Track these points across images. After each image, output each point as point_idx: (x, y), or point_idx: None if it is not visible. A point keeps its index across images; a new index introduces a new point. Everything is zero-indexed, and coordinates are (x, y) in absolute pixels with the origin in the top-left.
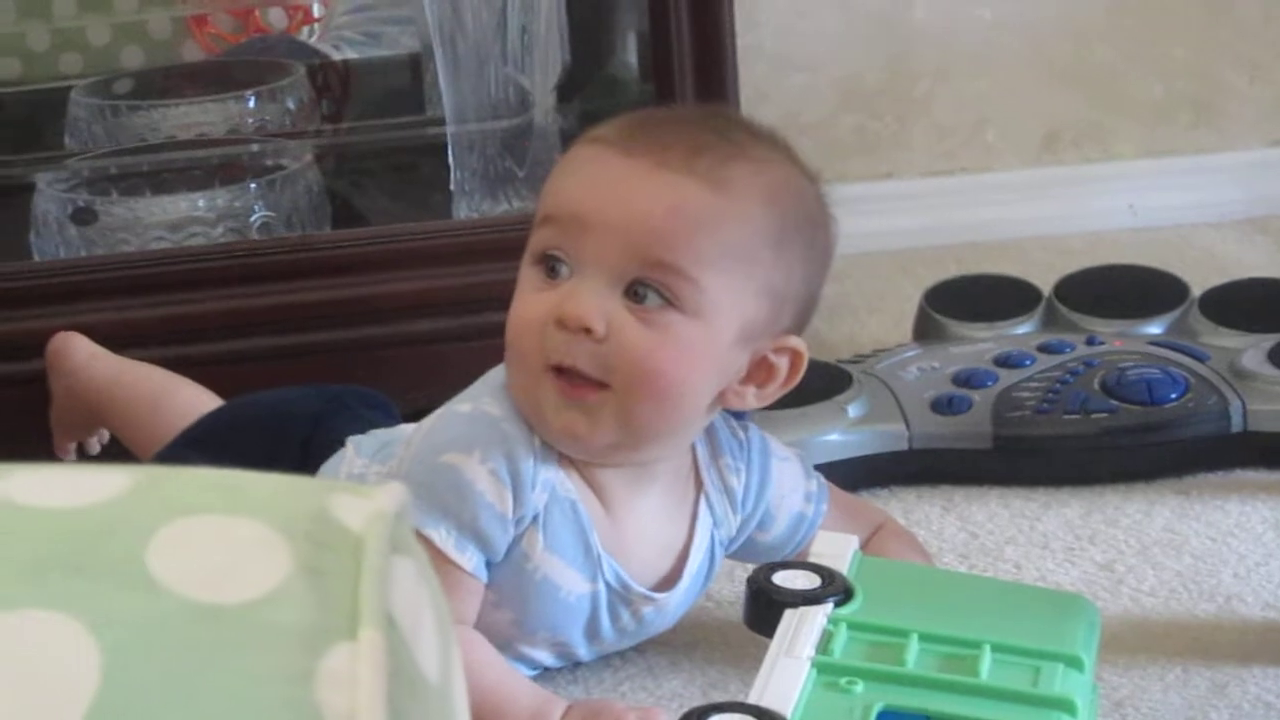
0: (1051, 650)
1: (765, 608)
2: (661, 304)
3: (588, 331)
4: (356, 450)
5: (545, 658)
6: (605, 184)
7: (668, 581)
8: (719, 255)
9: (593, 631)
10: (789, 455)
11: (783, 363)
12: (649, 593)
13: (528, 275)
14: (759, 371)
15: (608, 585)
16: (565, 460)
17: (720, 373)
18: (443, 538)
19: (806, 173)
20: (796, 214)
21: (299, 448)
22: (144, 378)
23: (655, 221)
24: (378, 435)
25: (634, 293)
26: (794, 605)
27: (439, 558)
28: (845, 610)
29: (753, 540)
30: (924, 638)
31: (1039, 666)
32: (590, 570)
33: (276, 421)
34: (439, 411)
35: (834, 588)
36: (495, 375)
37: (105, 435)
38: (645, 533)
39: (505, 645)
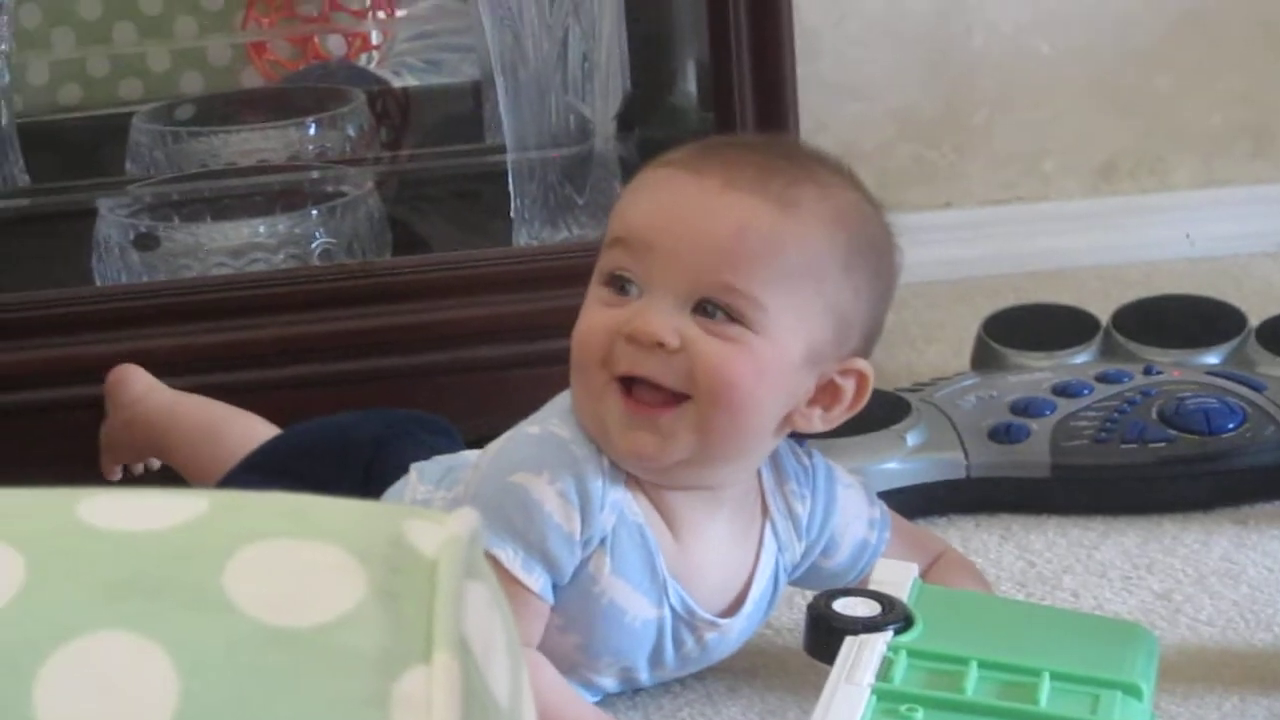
0: (1110, 678)
1: (825, 635)
2: (730, 321)
3: (660, 346)
4: (420, 476)
5: (608, 683)
6: (673, 205)
7: (732, 607)
8: (785, 276)
9: (657, 658)
10: (853, 482)
11: (849, 385)
12: (713, 618)
13: (595, 293)
14: (825, 394)
15: (673, 610)
16: (633, 483)
17: (789, 393)
18: (510, 558)
19: (871, 200)
20: (862, 238)
21: (361, 472)
22: (201, 409)
23: (722, 243)
24: (441, 461)
25: (703, 309)
26: (854, 632)
27: (506, 578)
28: (905, 638)
29: (816, 566)
30: (983, 665)
31: (1098, 694)
32: (656, 595)
33: (339, 446)
34: (507, 434)
35: (894, 615)
36: (564, 399)
37: (155, 463)
38: (711, 558)
39: (570, 670)
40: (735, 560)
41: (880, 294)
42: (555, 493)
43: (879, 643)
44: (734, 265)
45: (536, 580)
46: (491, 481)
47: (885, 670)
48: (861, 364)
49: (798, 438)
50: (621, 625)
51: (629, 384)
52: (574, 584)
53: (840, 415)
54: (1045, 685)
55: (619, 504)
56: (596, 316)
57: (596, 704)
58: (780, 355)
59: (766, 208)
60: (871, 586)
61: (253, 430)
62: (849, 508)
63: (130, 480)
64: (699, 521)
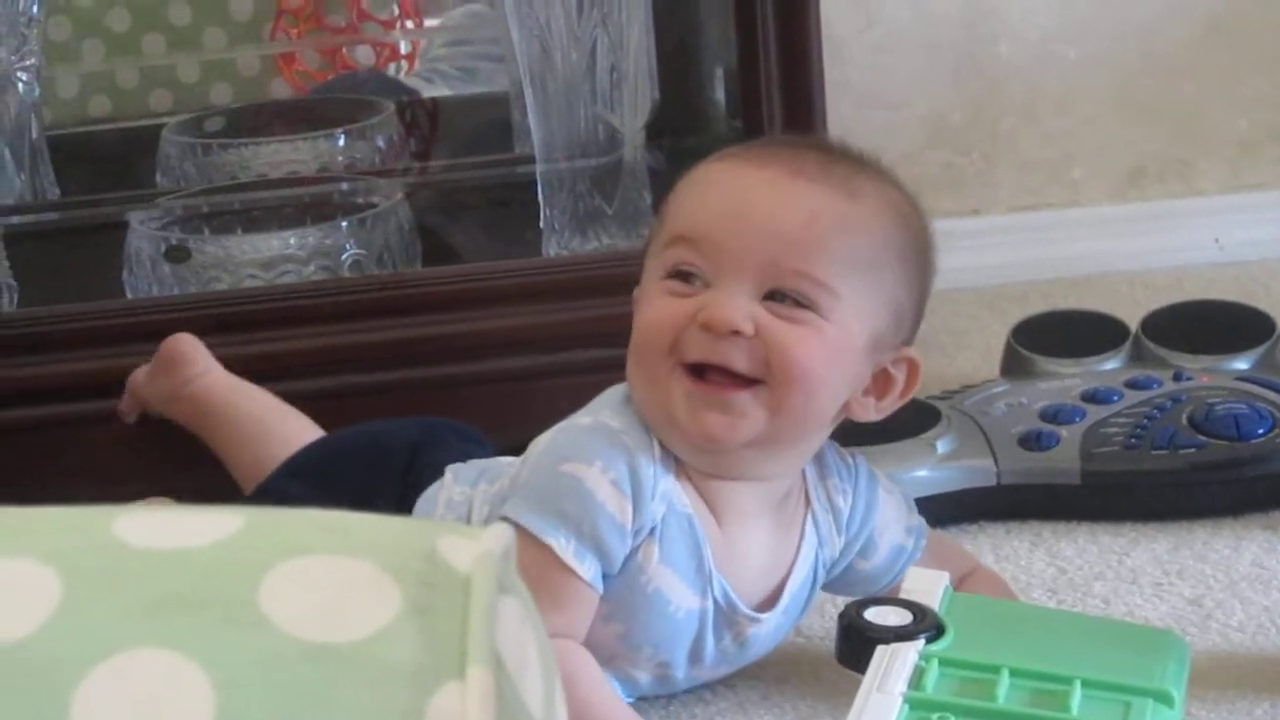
0: (1142, 686)
1: (857, 643)
2: (801, 307)
3: (735, 334)
4: (455, 478)
5: (644, 679)
6: (741, 196)
7: (769, 601)
8: (853, 264)
9: (696, 652)
10: (893, 488)
11: (900, 374)
12: (752, 613)
13: (658, 286)
14: (878, 383)
15: (716, 603)
16: (682, 473)
17: (851, 380)
18: (562, 546)
19: (912, 196)
20: (914, 231)
21: (399, 477)
22: (254, 401)
23: (794, 232)
24: (476, 464)
25: (773, 297)
26: (886, 641)
27: (557, 566)
28: (937, 646)
29: (853, 568)
30: (1015, 673)
31: (1129, 702)
32: (701, 586)
33: (377, 453)
34: (558, 426)
35: (926, 624)
36: (614, 392)
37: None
38: (754, 551)
39: (607, 661)
40: (776, 553)
41: (925, 287)
42: (608, 482)
43: (911, 651)
44: (806, 253)
45: (588, 569)
46: (543, 471)
47: (917, 679)
48: (912, 352)
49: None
50: (665, 615)
51: (697, 370)
52: (622, 573)
53: (892, 404)
54: (1077, 693)
55: (668, 494)
56: (663, 307)
57: (630, 705)
58: (848, 341)
59: (834, 196)
60: (903, 595)
61: (300, 430)
62: (889, 510)
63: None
64: (745, 513)
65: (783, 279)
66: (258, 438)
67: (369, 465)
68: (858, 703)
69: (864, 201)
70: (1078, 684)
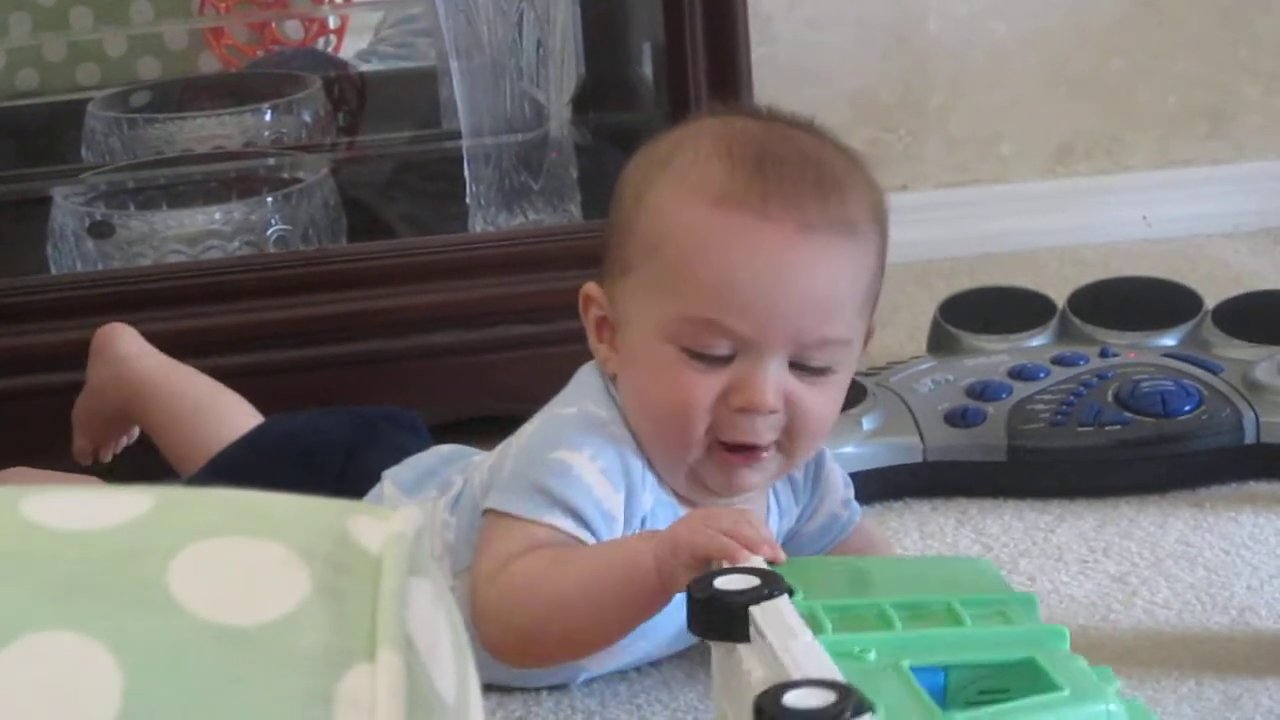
0: (1002, 595)
1: (725, 611)
2: (823, 367)
3: (772, 412)
4: (396, 484)
5: (616, 664)
6: (761, 268)
7: None
8: (862, 304)
9: (680, 633)
10: (835, 461)
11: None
12: None
13: (672, 356)
14: None
15: None
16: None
17: None
18: (561, 522)
19: (872, 177)
20: (885, 223)
21: (333, 480)
22: (190, 377)
23: (820, 301)
24: (412, 465)
25: (795, 361)
26: (756, 602)
27: (564, 540)
28: (800, 601)
29: (796, 531)
30: (895, 606)
31: (1003, 609)
32: None
33: (309, 452)
34: (541, 416)
35: (777, 584)
36: (592, 378)
37: (121, 442)
38: None
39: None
40: None
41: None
42: (597, 470)
43: (788, 605)
44: (830, 318)
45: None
46: (532, 458)
47: (814, 625)
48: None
49: None
50: None
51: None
52: None
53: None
54: (960, 609)
55: (653, 484)
56: (691, 389)
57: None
58: (852, 372)
59: (841, 244)
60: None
61: (235, 411)
62: (831, 480)
63: (102, 467)
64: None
65: (811, 346)
66: (190, 418)
67: (303, 466)
68: (777, 653)
69: (859, 234)
70: (955, 602)
